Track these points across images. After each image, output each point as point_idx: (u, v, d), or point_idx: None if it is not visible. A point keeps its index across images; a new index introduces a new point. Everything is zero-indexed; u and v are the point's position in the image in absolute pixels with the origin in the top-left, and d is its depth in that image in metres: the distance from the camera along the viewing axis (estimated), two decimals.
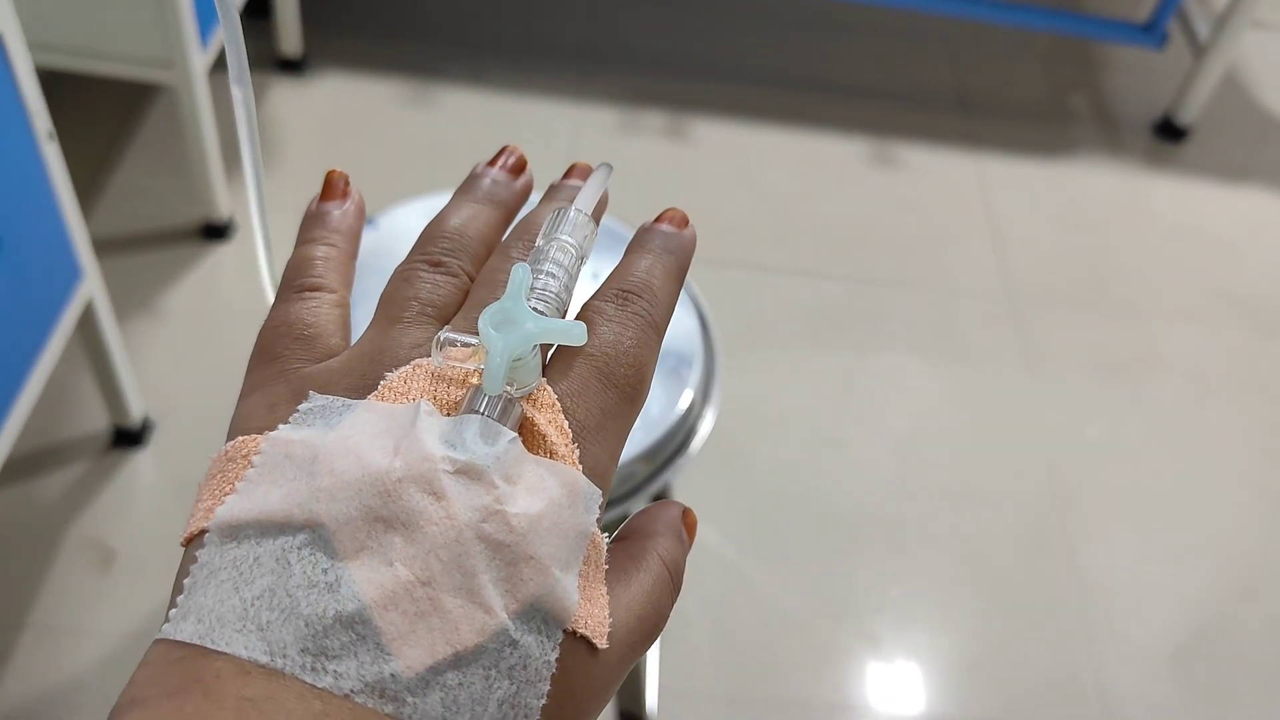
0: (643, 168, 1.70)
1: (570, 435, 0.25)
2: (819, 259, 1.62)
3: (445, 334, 0.25)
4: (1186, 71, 1.88)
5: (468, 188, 0.31)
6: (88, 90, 1.55)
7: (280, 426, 0.24)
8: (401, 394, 0.24)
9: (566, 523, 0.23)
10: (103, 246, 1.35)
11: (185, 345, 1.36)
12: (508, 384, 0.24)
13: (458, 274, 0.28)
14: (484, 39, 1.88)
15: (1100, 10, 2.20)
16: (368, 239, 0.92)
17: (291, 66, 1.72)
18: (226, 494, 0.23)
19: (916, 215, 1.71)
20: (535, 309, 0.26)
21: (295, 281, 0.29)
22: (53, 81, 0.99)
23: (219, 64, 1.36)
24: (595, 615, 0.23)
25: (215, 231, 1.46)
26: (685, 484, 1.29)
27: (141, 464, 1.24)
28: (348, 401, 0.24)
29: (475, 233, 0.29)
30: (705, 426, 0.88)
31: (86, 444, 1.25)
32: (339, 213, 0.31)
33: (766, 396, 1.43)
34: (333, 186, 0.31)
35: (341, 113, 1.70)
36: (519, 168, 0.32)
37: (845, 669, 1.20)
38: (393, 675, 0.21)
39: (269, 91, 1.69)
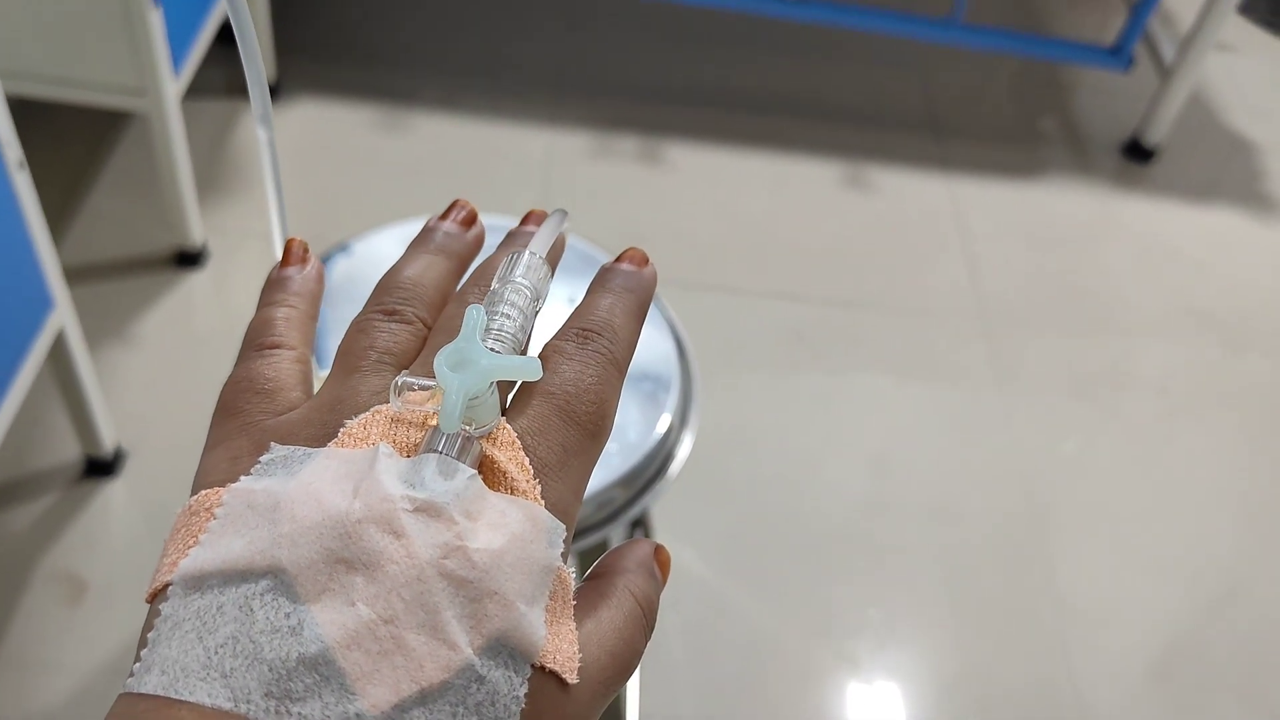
0: (617, 192, 1.71)
1: (531, 472, 0.25)
2: (793, 281, 1.62)
3: (402, 378, 0.25)
4: (1153, 93, 1.91)
5: (421, 240, 0.32)
6: (59, 117, 1.55)
7: (242, 478, 0.24)
8: (361, 439, 0.24)
9: (530, 557, 0.23)
10: (74, 274, 1.34)
11: (158, 373, 1.35)
12: (467, 424, 0.24)
13: (413, 322, 0.29)
14: (458, 64, 1.88)
15: (1068, 33, 2.23)
16: (343, 265, 0.92)
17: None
18: (190, 546, 0.23)
19: (890, 237, 1.73)
20: (492, 349, 0.26)
21: (256, 340, 0.29)
22: (23, 108, 0.98)
23: (191, 91, 1.35)
24: (564, 650, 0.23)
25: (188, 259, 1.46)
26: (664, 508, 1.29)
27: (114, 494, 1.23)
28: (308, 450, 0.24)
29: (430, 282, 0.30)
30: (683, 450, 0.88)
31: (58, 474, 1.24)
32: (299, 277, 0.31)
33: (743, 418, 1.43)
34: (292, 253, 0.32)
35: (315, 138, 1.70)
36: (470, 220, 0.33)
37: (825, 691, 1.20)
38: (358, 714, 0.21)
39: (242, 118, 1.69)
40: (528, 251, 0.29)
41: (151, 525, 1.22)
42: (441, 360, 0.25)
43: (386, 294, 0.29)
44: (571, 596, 0.24)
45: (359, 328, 0.28)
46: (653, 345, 0.92)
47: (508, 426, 0.25)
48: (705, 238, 1.66)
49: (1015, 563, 1.33)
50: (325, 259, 0.93)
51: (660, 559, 0.29)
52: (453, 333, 0.27)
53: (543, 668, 0.23)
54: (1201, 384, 1.59)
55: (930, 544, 1.34)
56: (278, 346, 0.29)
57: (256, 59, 0.31)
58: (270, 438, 0.25)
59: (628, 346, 0.29)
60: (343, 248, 0.94)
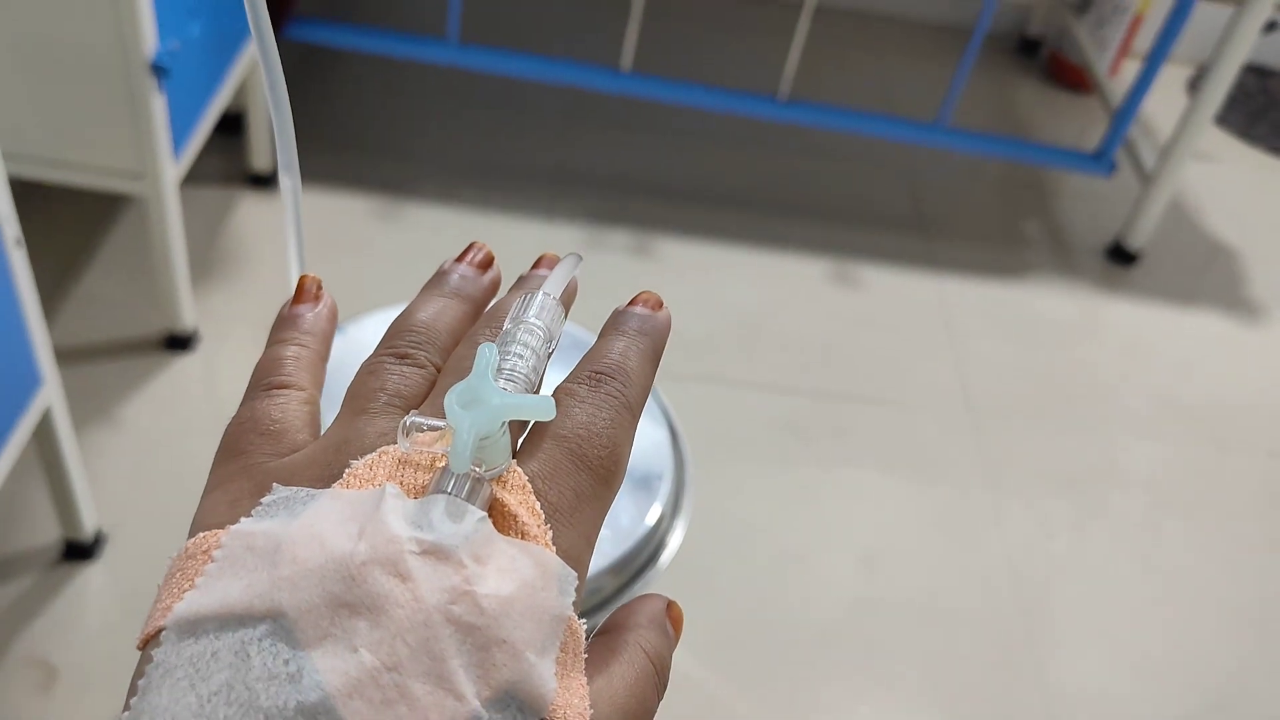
0: (609, 285, 1.72)
1: (543, 516, 0.24)
2: (783, 374, 1.63)
3: (411, 418, 0.24)
4: (1135, 198, 1.95)
5: (435, 283, 0.31)
6: (56, 197, 1.56)
7: (243, 519, 0.23)
8: (367, 480, 0.24)
9: (541, 605, 0.22)
10: (64, 354, 1.33)
11: (142, 457, 1.34)
12: (476, 465, 0.24)
13: (425, 365, 0.28)
14: (456, 159, 1.92)
15: (1051, 139, 2.29)
16: (337, 347, 0.92)
17: (261, 181, 1.74)
18: (186, 590, 0.23)
19: (878, 332, 1.74)
20: (504, 388, 0.25)
21: (264, 380, 0.28)
22: (21, 188, 0.99)
23: (188, 177, 1.37)
24: (574, 705, 0.22)
25: (178, 343, 1.45)
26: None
27: (91, 578, 1.21)
28: (312, 491, 0.24)
29: (443, 326, 0.29)
30: (675, 540, 0.87)
31: (35, 556, 1.21)
32: (311, 315, 0.31)
33: (732, 510, 1.42)
34: (305, 290, 0.31)
35: (313, 224, 1.71)
36: (486, 263, 0.32)
37: None
38: None
39: (239, 205, 1.71)
40: (541, 292, 0.29)
41: (127, 611, 1.20)
42: (453, 398, 0.24)
43: (398, 337, 0.29)
44: (583, 649, 0.24)
45: (369, 370, 0.28)
46: (646, 433, 0.92)
47: (519, 469, 0.25)
48: (696, 330, 1.67)
49: (1005, 661, 1.31)
50: None
51: (673, 615, 0.28)
52: (463, 373, 0.26)
53: None
54: (1188, 482, 1.59)
55: (920, 641, 1.32)
56: (286, 387, 0.28)
57: (285, 106, 0.31)
58: (273, 479, 0.25)
59: (641, 390, 0.28)
60: (336, 330, 0.94)
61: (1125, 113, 1.82)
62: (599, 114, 2.09)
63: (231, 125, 1.73)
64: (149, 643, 0.22)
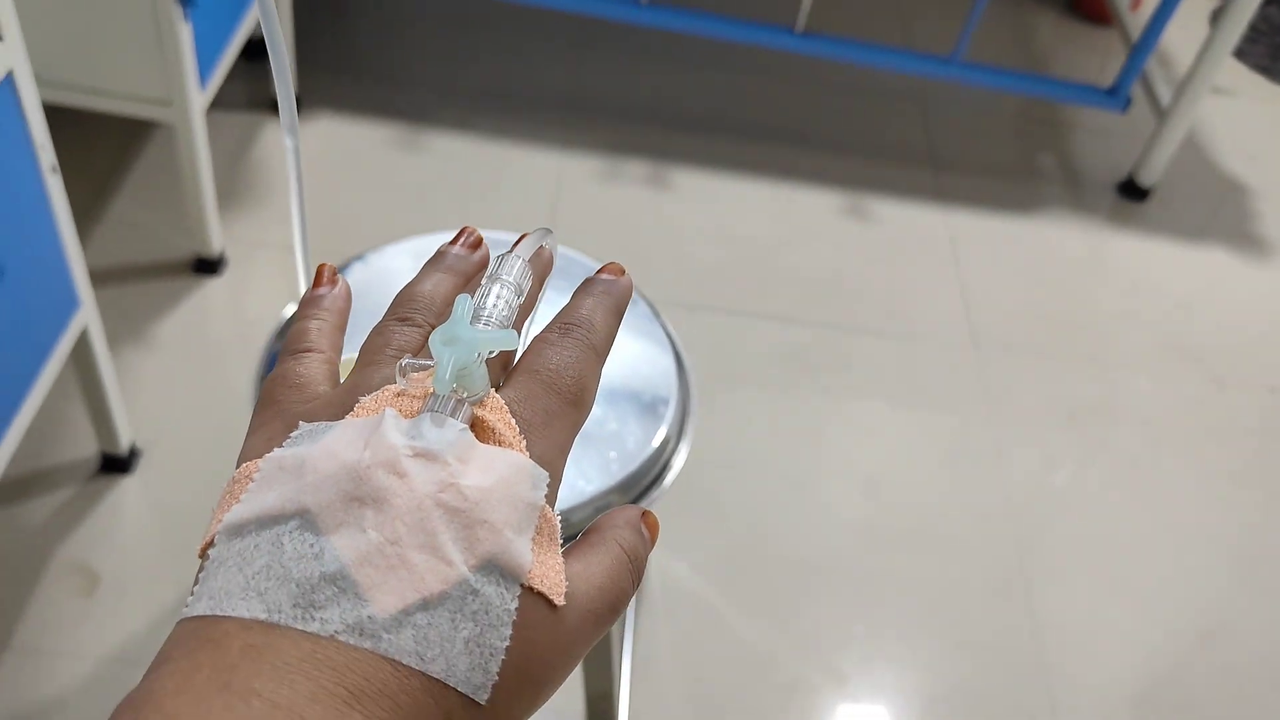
0: (624, 214, 1.76)
1: (517, 429, 0.29)
2: (792, 305, 1.67)
3: (406, 360, 0.30)
4: (1150, 134, 1.96)
5: (434, 261, 0.38)
6: (87, 124, 1.60)
7: (275, 449, 0.29)
8: (372, 411, 0.29)
9: (516, 495, 0.27)
10: (97, 277, 1.38)
11: (174, 375, 1.40)
12: (459, 392, 0.29)
13: (422, 325, 0.34)
14: (473, 87, 1.94)
15: (1067, 73, 2.29)
16: (360, 275, 0.96)
17: None
18: (232, 505, 0.28)
19: (887, 266, 1.77)
20: (481, 329, 0.31)
21: (292, 347, 0.35)
22: (54, 114, 1.03)
23: (214, 104, 1.40)
24: (550, 576, 0.27)
25: (206, 266, 1.50)
26: (658, 518, 1.33)
27: (128, 490, 1.27)
28: (329, 424, 0.29)
29: (440, 295, 0.35)
30: (679, 461, 0.92)
31: (75, 470, 1.28)
32: (330, 295, 0.37)
33: (738, 437, 1.47)
34: (323, 276, 0.37)
35: (334, 154, 1.75)
36: (476, 244, 0.38)
37: (813, 704, 1.23)
38: (369, 617, 0.25)
39: (263, 131, 1.74)
40: (512, 254, 0.35)
41: (163, 521, 1.26)
42: (435, 337, 0.30)
43: (401, 306, 0.35)
44: (558, 535, 0.29)
45: (378, 331, 0.34)
46: (653, 360, 0.96)
47: (495, 394, 0.30)
48: (708, 260, 1.70)
49: (999, 588, 1.37)
50: (342, 269, 0.97)
51: (648, 521, 0.33)
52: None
53: (530, 588, 0.27)
54: (1188, 419, 1.63)
55: (917, 566, 1.38)
56: (309, 350, 0.34)
57: (286, 71, 0.36)
58: (299, 419, 0.30)
59: (605, 338, 0.34)
60: (359, 258, 0.98)
61: (1142, 48, 1.82)
62: (615, 43, 2.10)
63: (256, 51, 1.76)
64: (206, 549, 0.28)
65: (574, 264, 1.00)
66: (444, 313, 0.35)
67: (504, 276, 0.33)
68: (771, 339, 1.61)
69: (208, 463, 1.29)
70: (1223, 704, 1.31)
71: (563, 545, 0.29)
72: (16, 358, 1.03)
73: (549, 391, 0.31)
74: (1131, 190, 1.99)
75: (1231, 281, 1.88)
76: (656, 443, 0.89)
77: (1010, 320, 1.72)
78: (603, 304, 0.35)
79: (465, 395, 0.29)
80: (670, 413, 0.92)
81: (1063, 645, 1.32)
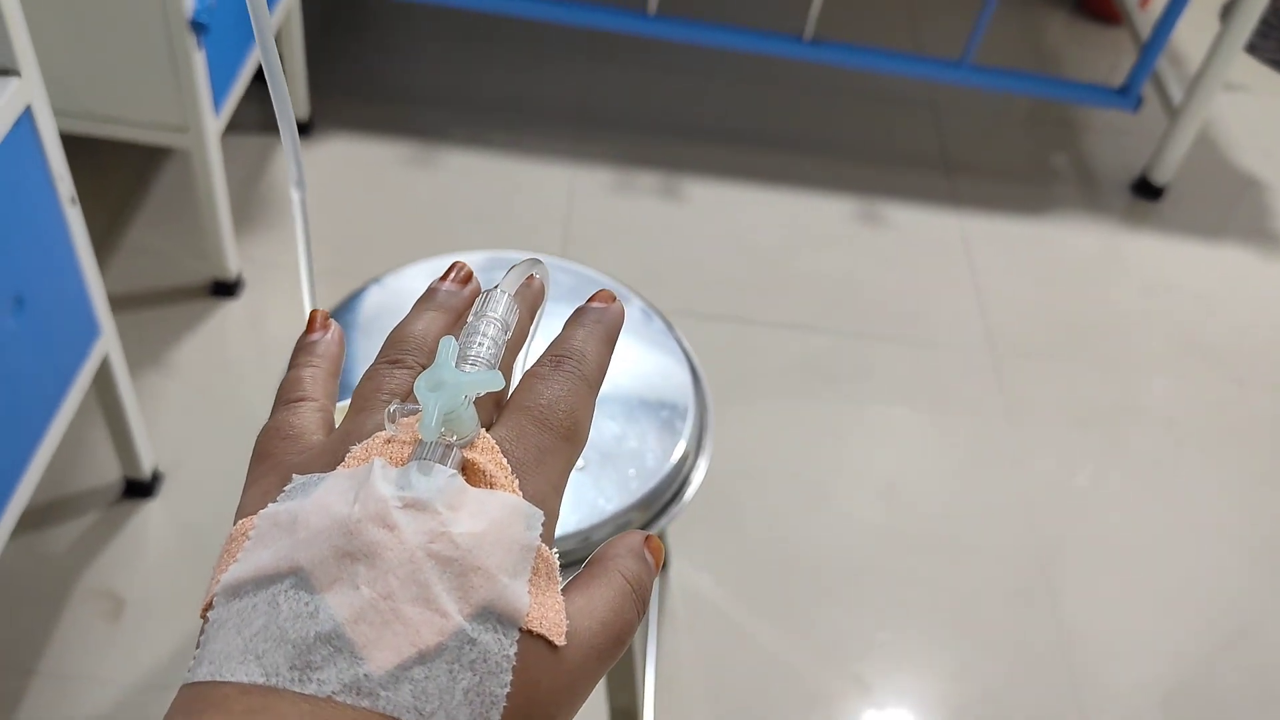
0: (637, 226, 1.76)
1: (509, 469, 0.29)
2: (807, 313, 1.67)
3: (394, 406, 0.30)
4: (1162, 132, 1.95)
5: (425, 299, 0.37)
6: (102, 151, 1.61)
7: (270, 504, 0.29)
8: (363, 460, 0.29)
9: (509, 537, 0.27)
10: (116, 303, 1.39)
11: (193, 398, 1.41)
12: (448, 435, 0.29)
13: (413, 367, 0.33)
14: (484, 103, 1.95)
15: (1078, 72, 2.28)
16: (377, 298, 0.97)
17: (298, 129, 1.78)
18: (230, 564, 0.28)
19: (902, 271, 1.77)
20: (467, 371, 0.31)
21: (286, 396, 0.35)
22: (68, 143, 1.04)
23: (230, 127, 1.41)
24: (549, 617, 0.27)
25: (224, 288, 1.51)
26: (679, 532, 1.33)
27: (151, 514, 1.28)
28: (321, 475, 0.29)
29: (431, 335, 0.35)
30: (698, 475, 0.93)
31: (98, 495, 1.29)
32: (323, 341, 0.37)
33: (757, 446, 1.47)
34: (315, 322, 0.37)
35: (347, 173, 1.76)
36: (466, 279, 0.38)
37: (836, 714, 1.23)
38: (366, 675, 0.25)
39: (276, 153, 1.75)
40: (497, 289, 0.35)
41: (186, 544, 1.27)
42: (421, 383, 0.29)
43: (392, 347, 0.35)
44: (556, 573, 0.29)
45: (369, 376, 0.34)
46: (669, 374, 0.96)
47: (486, 434, 0.30)
48: (722, 270, 1.71)
49: (1023, 593, 1.36)
50: (359, 291, 0.98)
51: (651, 547, 0.33)
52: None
53: (530, 631, 0.27)
54: (1208, 418, 1.62)
55: (940, 572, 1.37)
56: (303, 400, 0.34)
57: (292, 124, 0.36)
58: (293, 471, 0.30)
59: (597, 368, 0.34)
60: (376, 280, 0.99)
61: (1152, 47, 1.81)
62: (625, 54, 2.11)
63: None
64: (207, 609, 0.28)
65: (585, 281, 1.00)
66: (433, 351, 0.34)
67: (489, 314, 0.33)
68: (788, 347, 1.61)
69: (230, 484, 1.30)
70: (1252, 706, 1.30)
71: (572, 569, 0.29)
72: (40, 387, 1.04)
73: (541, 428, 0.31)
74: (1146, 189, 1.99)
75: (1250, 279, 1.87)
76: (675, 458, 0.90)
77: (1027, 322, 1.72)
78: (594, 334, 0.35)
79: (454, 439, 0.29)
80: (688, 428, 0.92)
81: (1088, 649, 1.32)
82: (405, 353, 0.34)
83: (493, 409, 0.32)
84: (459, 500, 0.27)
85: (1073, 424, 1.58)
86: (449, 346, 0.31)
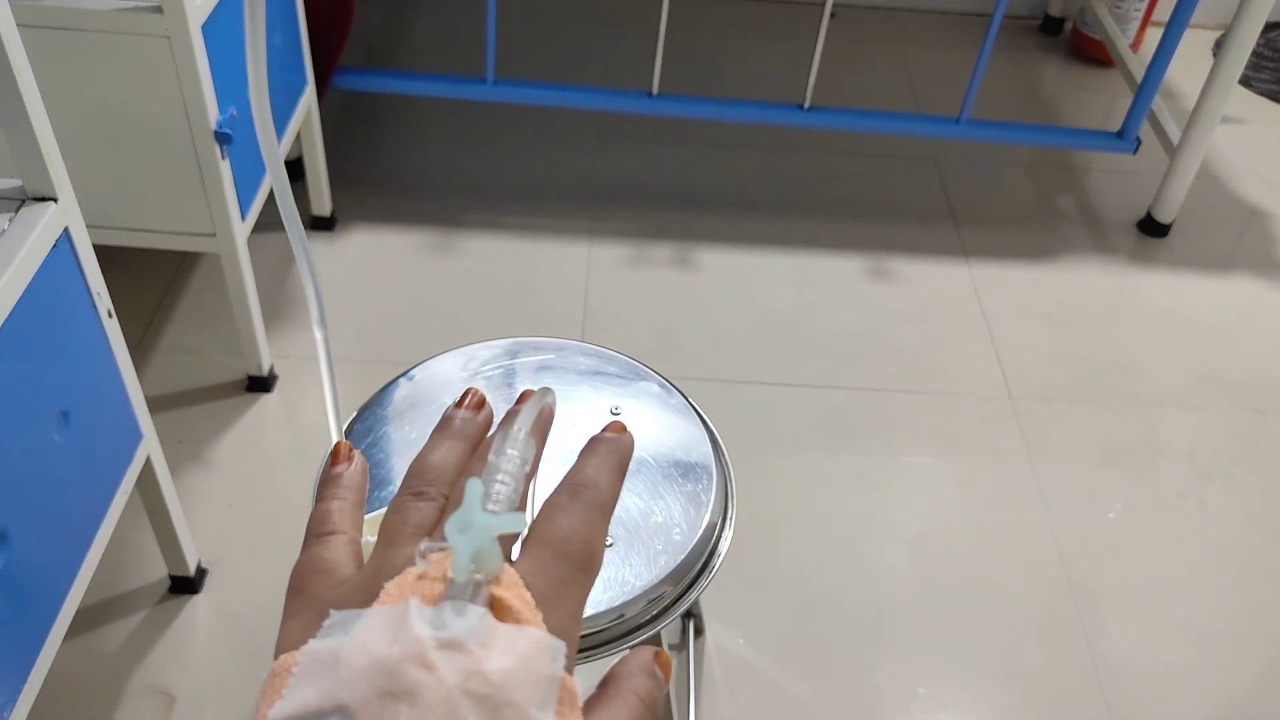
0: (654, 296, 1.80)
1: (533, 604, 0.31)
2: (825, 371, 1.70)
3: (424, 545, 0.32)
4: (1164, 170, 1.98)
5: (442, 428, 0.40)
6: (134, 257, 1.67)
7: (310, 641, 0.31)
8: (397, 597, 0.31)
9: (537, 671, 0.29)
10: (154, 404, 1.44)
11: (233, 492, 1.45)
12: (477, 573, 0.31)
13: (436, 498, 0.36)
14: (498, 188, 2.01)
15: (1076, 117, 2.32)
16: (407, 390, 1.01)
17: (322, 224, 1.85)
18: (275, 701, 0.30)
19: (915, 323, 1.80)
20: (491, 510, 0.33)
21: (317, 530, 0.37)
22: (101, 251, 1.08)
23: (257, 227, 1.46)
24: None
25: (258, 384, 1.56)
26: (711, 599, 1.35)
27: (198, 609, 1.31)
28: (359, 611, 0.31)
29: (451, 464, 0.37)
30: (725, 545, 0.95)
31: (145, 593, 1.32)
32: (348, 473, 0.39)
33: (783, 506, 1.49)
34: (340, 454, 0.40)
35: (370, 263, 1.81)
36: (479, 404, 0.41)
37: None
38: None
39: None
40: (515, 427, 0.37)
41: (233, 637, 1.30)
42: (451, 525, 0.32)
43: (415, 479, 0.37)
44: (578, 701, 0.31)
45: (395, 509, 0.36)
46: (692, 446, 0.99)
47: (510, 570, 0.33)
48: (740, 334, 1.74)
49: (1058, 636, 1.37)
50: (389, 384, 1.02)
51: (661, 661, 0.35)
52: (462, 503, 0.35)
53: None
54: (1231, 449, 1.63)
55: (974, 621, 1.38)
56: (333, 533, 0.37)
57: (312, 267, 0.40)
58: (330, 607, 0.33)
59: (611, 495, 0.37)
60: (406, 375, 1.03)
61: (1146, 89, 1.85)
62: (631, 131, 2.16)
63: (294, 172, 1.84)
64: None
65: (605, 361, 1.04)
66: (455, 480, 0.37)
67: (509, 451, 0.35)
68: (809, 405, 1.64)
69: (273, 574, 1.33)
70: None
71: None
72: (88, 495, 1.08)
73: (560, 560, 0.33)
74: (1151, 227, 2.01)
75: (1261, 308, 1.89)
76: (701, 530, 0.92)
77: (1044, 366, 1.74)
78: (608, 463, 0.37)
79: (481, 576, 0.31)
80: (712, 499, 0.95)
81: (1128, 689, 1.32)
82: (428, 484, 0.37)
83: (511, 540, 0.35)
84: (490, 638, 0.30)
85: (1096, 463, 1.59)
86: (475, 489, 0.33)
